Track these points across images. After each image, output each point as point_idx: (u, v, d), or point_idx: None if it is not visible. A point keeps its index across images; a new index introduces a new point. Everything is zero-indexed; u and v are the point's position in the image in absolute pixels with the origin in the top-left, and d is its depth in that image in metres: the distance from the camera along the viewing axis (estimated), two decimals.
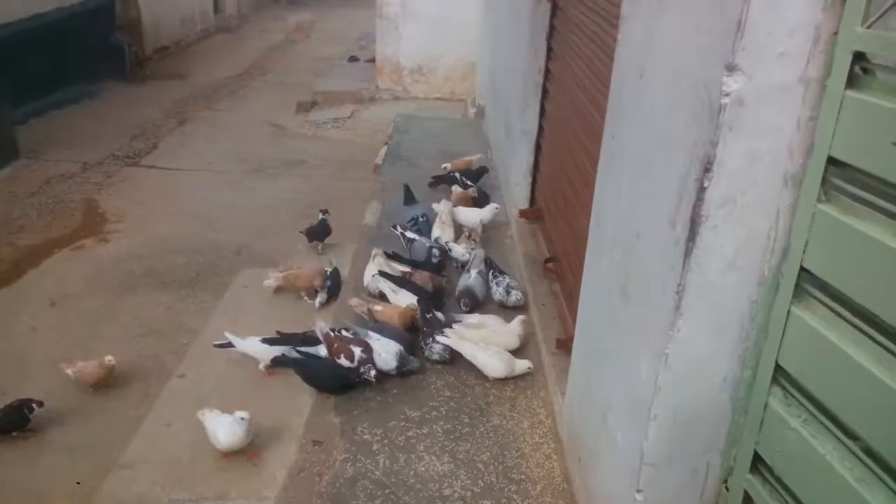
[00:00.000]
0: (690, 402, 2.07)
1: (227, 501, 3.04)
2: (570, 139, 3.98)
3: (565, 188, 4.04)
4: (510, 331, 3.88)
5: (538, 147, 5.09)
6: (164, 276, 5.65)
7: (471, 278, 4.34)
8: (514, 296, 4.28)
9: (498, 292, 4.32)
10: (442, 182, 6.06)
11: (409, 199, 5.71)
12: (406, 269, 4.52)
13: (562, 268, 4.10)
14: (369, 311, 4.16)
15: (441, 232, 5.00)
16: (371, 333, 3.78)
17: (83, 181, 7.14)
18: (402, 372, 3.64)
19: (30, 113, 8.44)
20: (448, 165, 6.25)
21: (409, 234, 4.92)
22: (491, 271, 4.43)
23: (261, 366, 3.91)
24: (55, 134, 8.19)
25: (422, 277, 4.39)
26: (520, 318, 3.93)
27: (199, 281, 5.58)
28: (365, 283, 4.49)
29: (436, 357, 3.79)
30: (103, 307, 5.17)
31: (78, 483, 3.14)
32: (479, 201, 5.61)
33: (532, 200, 5.24)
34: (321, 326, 3.87)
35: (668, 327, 1.98)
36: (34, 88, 8.61)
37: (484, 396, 3.54)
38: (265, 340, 3.84)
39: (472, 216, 5.28)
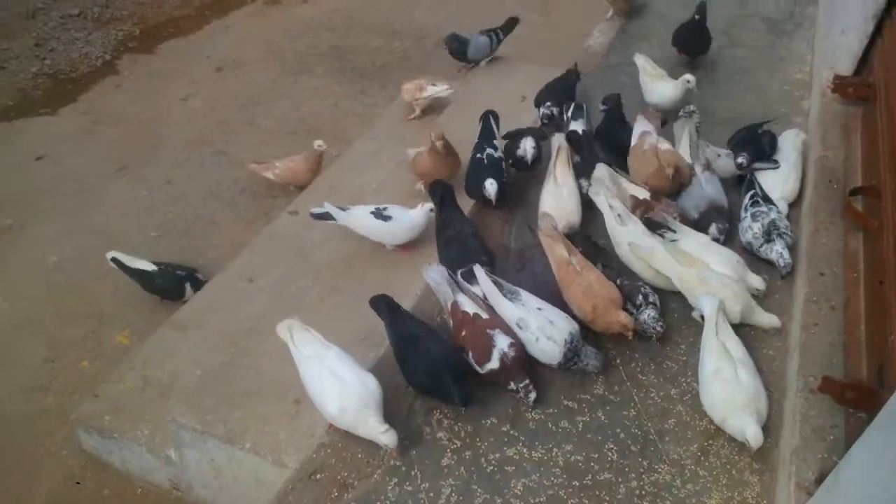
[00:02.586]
0: None
1: (235, 448, 2.03)
2: None
3: None
4: (739, 284, 2.11)
5: None
6: (348, 58, 4.46)
7: (707, 184, 2.45)
8: (777, 251, 2.27)
9: (751, 231, 2.34)
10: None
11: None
12: (642, 193, 2.49)
13: (885, 216, 2.08)
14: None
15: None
16: (524, 295, 2.08)
17: None
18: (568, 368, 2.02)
19: None
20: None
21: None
22: (750, 192, 2.44)
23: (388, 246, 2.62)
24: None
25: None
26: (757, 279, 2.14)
27: (381, 73, 4.30)
28: (544, 210, 2.41)
29: (647, 327, 2.10)
30: (270, 85, 4.18)
31: (78, 483, 2.33)
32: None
33: (862, 64, 2.92)
34: (437, 278, 2.16)
35: None
36: None
37: (659, 415, 1.93)
38: (379, 213, 2.52)
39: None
